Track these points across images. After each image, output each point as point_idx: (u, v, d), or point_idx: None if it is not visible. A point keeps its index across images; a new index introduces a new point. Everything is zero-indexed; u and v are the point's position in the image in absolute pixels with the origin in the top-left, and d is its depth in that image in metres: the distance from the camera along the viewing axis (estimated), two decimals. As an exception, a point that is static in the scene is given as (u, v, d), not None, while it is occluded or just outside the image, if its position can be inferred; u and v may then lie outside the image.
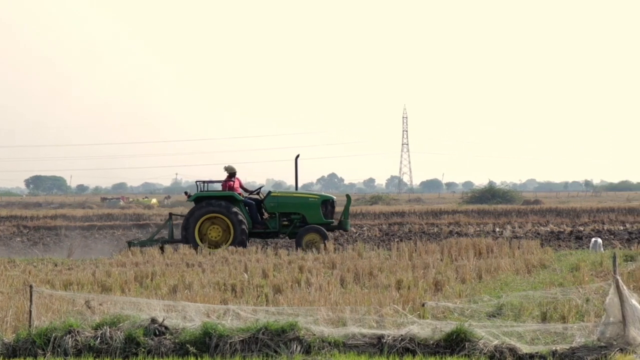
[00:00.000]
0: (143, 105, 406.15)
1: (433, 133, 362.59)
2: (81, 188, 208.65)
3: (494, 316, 12.33)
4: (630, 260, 19.95)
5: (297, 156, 27.98)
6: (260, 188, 28.57)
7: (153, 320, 11.24)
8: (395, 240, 31.11)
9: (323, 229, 26.27)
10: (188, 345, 10.80)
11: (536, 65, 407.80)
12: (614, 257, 10.32)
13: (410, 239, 30.97)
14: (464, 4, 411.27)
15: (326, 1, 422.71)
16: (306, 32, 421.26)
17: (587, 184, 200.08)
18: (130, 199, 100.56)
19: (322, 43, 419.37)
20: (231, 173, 27.23)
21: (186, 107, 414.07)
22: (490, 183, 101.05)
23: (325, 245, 24.20)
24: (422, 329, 10.74)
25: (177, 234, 28.10)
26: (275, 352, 10.62)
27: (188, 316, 11.63)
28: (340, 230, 28.70)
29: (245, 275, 17.65)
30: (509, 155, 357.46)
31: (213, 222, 26.44)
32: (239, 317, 11.54)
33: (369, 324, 11.22)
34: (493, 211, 53.85)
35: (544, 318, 11.96)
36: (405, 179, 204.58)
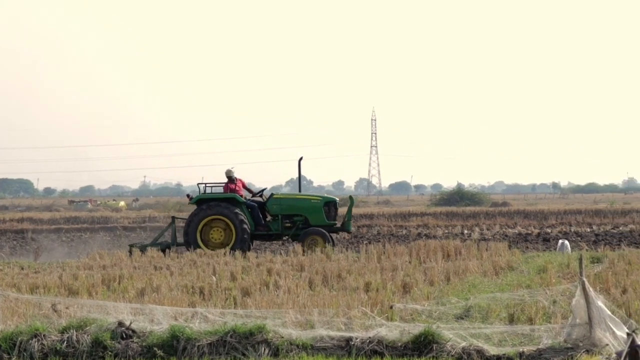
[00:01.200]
0: (111, 108, 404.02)
1: (402, 135, 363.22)
2: (48, 191, 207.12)
3: (462, 318, 12.36)
4: (597, 262, 20.08)
5: (301, 158, 28.00)
6: (263, 190, 28.46)
7: (120, 324, 11.18)
8: (364, 242, 31.14)
9: (325, 231, 26.23)
10: (155, 349, 10.74)
11: (504, 68, 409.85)
12: (580, 259, 10.38)
13: (379, 241, 31.07)
14: (432, 7, 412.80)
15: (296, 4, 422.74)
16: (274, 35, 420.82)
17: (555, 186, 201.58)
18: (98, 202, 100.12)
19: (290, 45, 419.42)
20: (229, 177, 27.16)
21: (155, 109, 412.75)
22: (459, 185, 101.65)
23: (326, 247, 24.36)
24: (390, 331, 10.75)
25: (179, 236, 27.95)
26: (243, 355, 10.59)
27: (155, 319, 11.57)
28: (345, 232, 28.65)
29: (214, 278, 17.58)
30: (477, 157, 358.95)
31: (215, 225, 26.34)
32: (206, 320, 11.50)
33: (337, 326, 11.20)
34: (461, 213, 54.15)
35: (511, 320, 12.00)
36: (374, 181, 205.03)
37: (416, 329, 10.68)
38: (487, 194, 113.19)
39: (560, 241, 25.19)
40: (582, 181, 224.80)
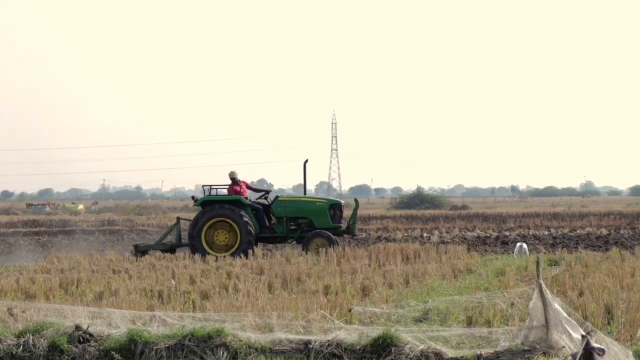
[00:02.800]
0: (70, 110, 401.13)
1: (362, 139, 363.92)
2: (6, 194, 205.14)
3: (421, 321, 12.40)
4: (555, 265, 20.26)
5: (306, 161, 27.95)
6: (267, 192, 28.40)
7: (77, 328, 11.08)
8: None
9: (330, 233, 26.22)
10: (113, 352, 10.67)
11: (462, 73, 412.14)
12: (538, 262, 10.46)
13: (339, 244, 31.09)
14: (392, 11, 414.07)
15: (257, 7, 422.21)
16: (235, 37, 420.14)
17: (514, 189, 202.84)
18: (57, 205, 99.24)
19: (250, 48, 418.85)
20: (233, 179, 27.21)
21: (115, 112, 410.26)
22: (419, 188, 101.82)
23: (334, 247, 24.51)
24: (349, 334, 10.75)
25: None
26: (202, 358, 10.54)
27: (113, 323, 11.49)
28: (349, 235, 28.61)
29: (173, 281, 17.52)
30: (437, 161, 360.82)
31: (220, 227, 26.26)
32: (165, 323, 11.44)
33: (296, 329, 11.20)
34: (421, 216, 54.32)
35: (469, 322, 12.06)
36: (335, 184, 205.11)
37: (375, 332, 10.69)
38: (446, 197, 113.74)
39: (519, 244, 25.35)
40: (540, 185, 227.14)
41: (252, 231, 25.95)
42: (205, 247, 25.78)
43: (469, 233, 38.93)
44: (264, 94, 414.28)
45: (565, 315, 9.96)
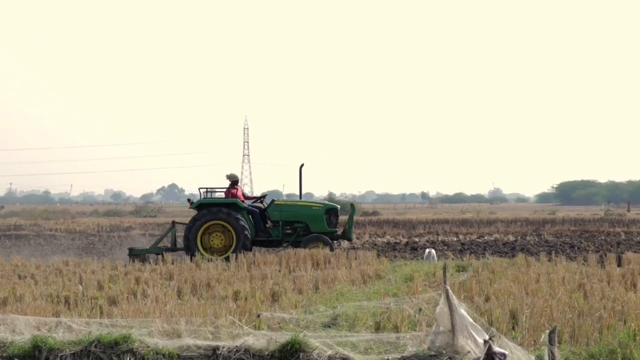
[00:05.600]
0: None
1: (274, 144, 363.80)
2: None
3: (329, 326, 12.44)
4: (462, 271, 20.49)
5: (302, 165, 27.68)
6: (264, 196, 28.19)
7: (-21, 334, 10.87)
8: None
9: (327, 238, 26.24)
10: (16, 359, 10.48)
11: (371, 79, 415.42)
12: (445, 268, 10.57)
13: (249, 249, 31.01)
14: (305, 19, 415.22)
15: (168, 9, 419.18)
16: (146, 40, 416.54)
17: (424, 196, 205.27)
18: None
19: (161, 52, 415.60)
20: (233, 181, 27.07)
21: (22, 115, 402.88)
22: (330, 194, 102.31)
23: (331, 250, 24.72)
24: (257, 340, 10.73)
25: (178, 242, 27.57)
26: (108, 365, 10.43)
27: (17, 329, 11.27)
28: (345, 240, 28.50)
29: (80, 287, 17.28)
30: (348, 167, 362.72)
31: (216, 230, 26.14)
32: (71, 329, 11.28)
33: (205, 335, 11.13)
34: (332, 222, 54.37)
35: (377, 328, 12.13)
36: (246, 190, 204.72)
37: (283, 337, 10.69)
38: (357, 203, 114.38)
39: (427, 250, 25.61)
40: (450, 191, 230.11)
41: (248, 235, 26.04)
42: (201, 250, 25.74)
43: (379, 239, 39.14)
44: (176, 99, 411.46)
45: (471, 320, 10.09)
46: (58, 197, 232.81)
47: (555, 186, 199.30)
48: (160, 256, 25.34)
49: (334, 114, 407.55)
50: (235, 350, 10.53)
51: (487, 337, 9.43)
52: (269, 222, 27.28)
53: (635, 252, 26.49)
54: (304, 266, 20.87)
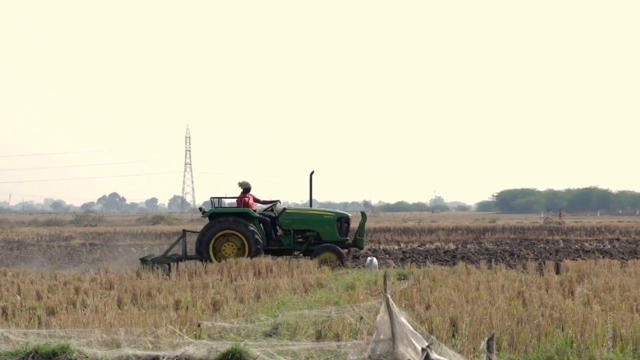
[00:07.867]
0: None
1: (216, 152, 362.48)
2: None
3: (270, 335, 12.43)
4: (404, 279, 20.62)
5: (312, 172, 27.37)
6: (275, 203, 27.86)
7: None
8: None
9: (339, 247, 26.08)
10: (-49, 372, 10.34)
11: (312, 86, 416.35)
12: (385, 276, 10.63)
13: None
14: (248, 26, 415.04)
15: (108, 15, 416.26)
16: (87, 47, 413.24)
17: (366, 204, 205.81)
18: None
19: (101, 59, 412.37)
20: (245, 189, 26.93)
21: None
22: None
23: (342, 263, 25.01)
24: (198, 349, 10.70)
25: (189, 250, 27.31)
26: (46, 376, 10.32)
27: (-48, 341, 11.12)
28: (355, 248, 28.27)
29: (18, 297, 17.06)
30: (291, 175, 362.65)
31: (228, 239, 25.98)
32: (8, 340, 11.15)
33: (144, 345, 11.07)
34: (274, 231, 54.31)
35: (318, 336, 12.14)
36: (188, 198, 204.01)
37: (224, 346, 10.67)
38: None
39: (369, 258, 25.72)
40: (392, 200, 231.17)
41: (260, 243, 25.95)
42: (213, 259, 25.58)
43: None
44: (117, 107, 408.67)
45: (411, 328, 10.16)
46: (5, 206, 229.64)
47: (495, 194, 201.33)
48: (175, 264, 25.09)
49: (275, 122, 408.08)
50: (175, 359, 10.49)
51: (424, 345, 9.51)
52: (280, 230, 27.26)
53: (573, 259, 26.83)
54: (246, 275, 20.83)
